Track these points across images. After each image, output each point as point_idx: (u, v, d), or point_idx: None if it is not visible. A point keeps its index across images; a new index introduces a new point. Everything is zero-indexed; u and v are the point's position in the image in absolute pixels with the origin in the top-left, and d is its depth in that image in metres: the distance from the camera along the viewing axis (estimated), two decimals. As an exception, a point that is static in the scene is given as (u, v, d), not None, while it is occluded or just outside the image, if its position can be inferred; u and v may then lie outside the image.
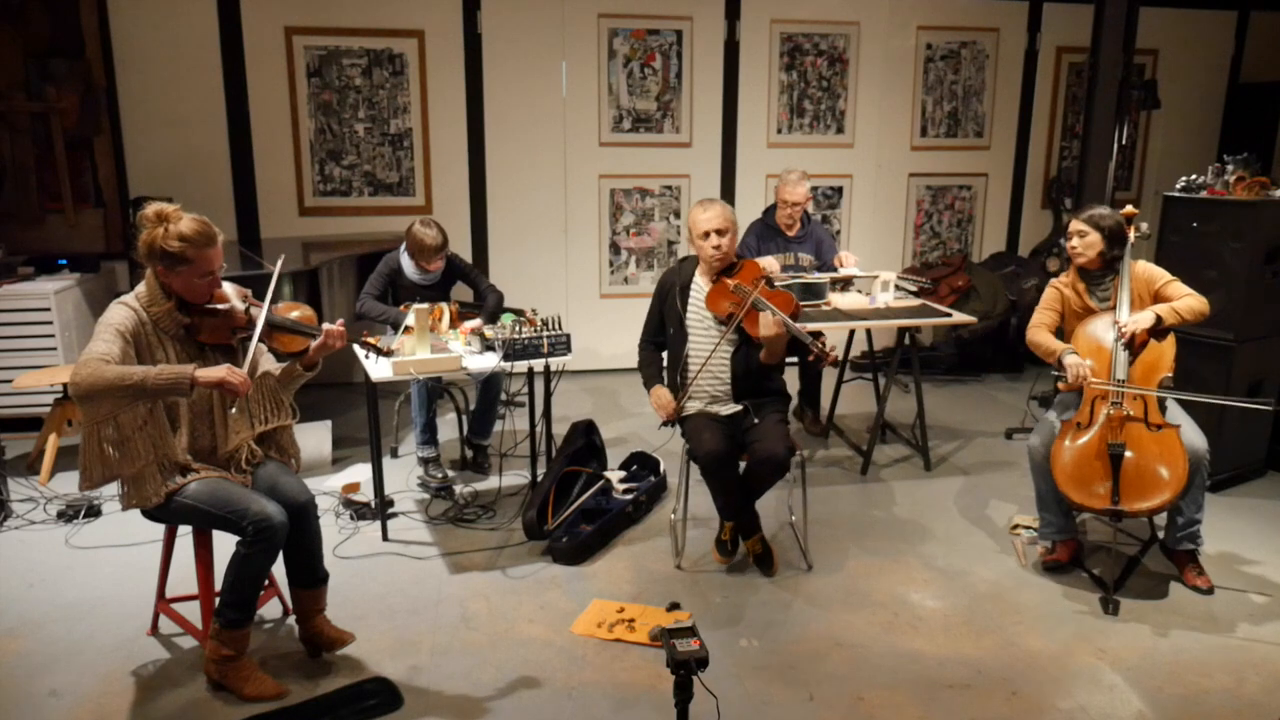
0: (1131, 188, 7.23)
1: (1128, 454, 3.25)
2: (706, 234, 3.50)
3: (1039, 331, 3.63)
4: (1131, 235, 3.54)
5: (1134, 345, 3.38)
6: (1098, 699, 2.85)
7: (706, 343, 3.56)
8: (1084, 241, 3.51)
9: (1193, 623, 3.28)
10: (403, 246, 4.44)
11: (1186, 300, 3.40)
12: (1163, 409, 3.37)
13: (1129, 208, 3.59)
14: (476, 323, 4.21)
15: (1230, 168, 4.37)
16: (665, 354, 3.76)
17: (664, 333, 3.72)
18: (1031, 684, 2.92)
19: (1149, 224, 3.78)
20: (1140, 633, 3.21)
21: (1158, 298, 3.48)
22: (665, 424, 3.63)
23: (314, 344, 2.85)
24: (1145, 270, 3.54)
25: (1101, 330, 3.46)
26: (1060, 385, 3.51)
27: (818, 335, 3.39)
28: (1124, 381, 3.33)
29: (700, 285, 3.61)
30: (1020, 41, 6.76)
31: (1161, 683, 2.93)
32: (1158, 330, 3.38)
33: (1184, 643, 3.15)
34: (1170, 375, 3.39)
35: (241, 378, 2.58)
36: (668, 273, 3.75)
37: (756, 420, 3.49)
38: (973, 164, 6.89)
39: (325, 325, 2.85)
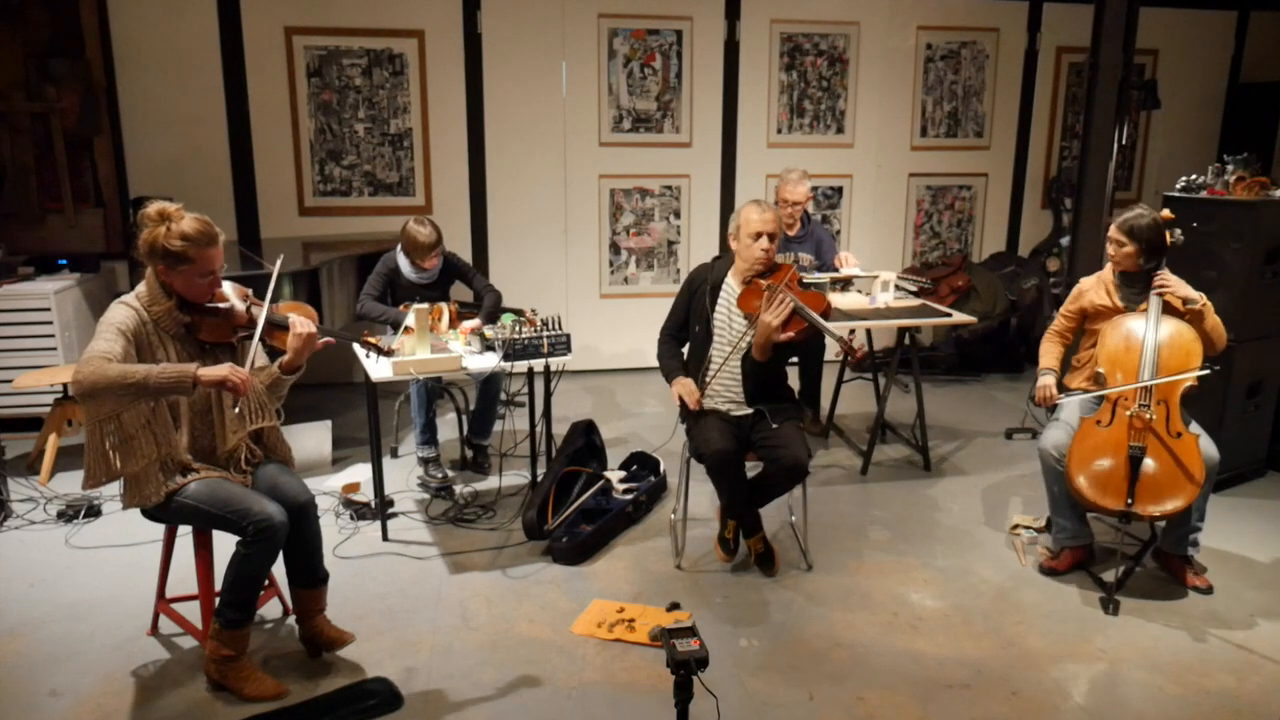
0: (1131, 188, 7.24)
1: (1147, 458, 3.25)
2: (759, 235, 3.46)
3: (1046, 343, 3.80)
4: (1168, 240, 3.49)
5: (1164, 305, 3.39)
6: (1098, 699, 2.85)
7: (730, 345, 3.55)
8: (1121, 251, 3.51)
9: (1193, 623, 3.28)
10: (399, 246, 4.44)
11: (1217, 320, 3.42)
12: (1185, 419, 3.36)
13: (1165, 211, 3.55)
14: (475, 322, 4.21)
15: (1230, 168, 4.37)
16: (686, 350, 3.74)
17: (687, 328, 3.70)
18: (1031, 684, 2.92)
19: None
20: (1140, 632, 3.21)
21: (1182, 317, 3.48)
22: (685, 415, 3.60)
23: (289, 337, 2.82)
24: (1183, 288, 3.49)
25: (1129, 332, 3.44)
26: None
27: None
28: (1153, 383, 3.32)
29: (731, 286, 3.59)
30: (1020, 41, 6.76)
31: (1161, 683, 2.93)
32: (1191, 311, 3.38)
33: (1184, 643, 3.16)
34: (1194, 387, 3.36)
35: (243, 376, 2.58)
36: (700, 268, 3.72)
37: (775, 425, 3.48)
38: (973, 164, 6.89)
39: (291, 318, 2.83)
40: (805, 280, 4.67)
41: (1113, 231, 3.53)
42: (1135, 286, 3.55)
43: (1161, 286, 3.41)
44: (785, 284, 3.41)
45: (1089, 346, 3.63)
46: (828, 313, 3.49)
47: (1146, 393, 3.31)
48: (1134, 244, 3.46)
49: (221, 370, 2.55)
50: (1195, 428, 3.39)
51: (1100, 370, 3.46)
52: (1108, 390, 3.39)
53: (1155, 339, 3.37)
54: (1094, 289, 3.65)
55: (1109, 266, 3.63)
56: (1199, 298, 3.39)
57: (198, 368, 2.52)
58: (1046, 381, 3.63)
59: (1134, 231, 3.46)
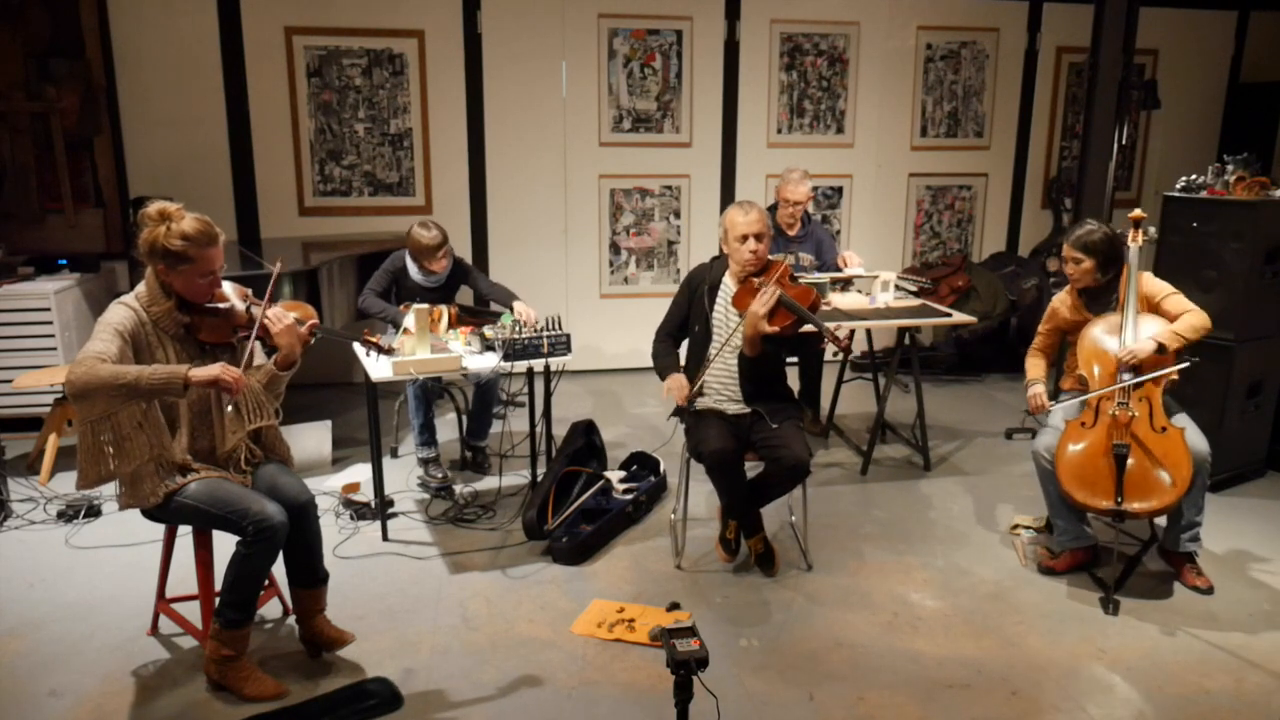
0: (1131, 188, 7.23)
1: (1132, 455, 3.25)
2: (745, 237, 3.48)
3: (1030, 358, 3.80)
4: (1139, 240, 3.48)
5: (1140, 370, 3.35)
6: (1098, 699, 2.85)
7: (728, 345, 3.55)
8: (1079, 268, 3.52)
9: (1193, 623, 3.28)
10: (406, 251, 4.45)
11: (1187, 319, 3.36)
12: (1168, 411, 3.37)
13: (1136, 211, 3.55)
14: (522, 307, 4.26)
15: (1230, 168, 4.37)
16: (684, 351, 3.74)
17: (685, 328, 3.71)
18: (1031, 684, 2.92)
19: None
20: (1140, 633, 3.21)
21: (1157, 312, 3.46)
22: (676, 412, 3.61)
23: (274, 330, 2.80)
24: (1148, 284, 3.51)
25: (1102, 334, 3.45)
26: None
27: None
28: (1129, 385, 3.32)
29: (729, 286, 3.60)
30: (1020, 41, 6.76)
31: (1161, 683, 2.93)
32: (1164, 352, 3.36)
33: (1184, 643, 3.16)
34: (1175, 380, 3.37)
35: (236, 375, 2.57)
36: (698, 269, 3.73)
37: (775, 425, 3.48)
38: (973, 164, 6.89)
39: (269, 313, 2.80)
40: (804, 279, 4.68)
41: (1067, 250, 3.54)
42: (1100, 300, 3.57)
43: (1124, 363, 3.32)
44: (777, 279, 3.44)
45: (1074, 354, 3.64)
46: (816, 306, 3.51)
47: (1126, 390, 3.32)
48: (1091, 258, 3.48)
49: (213, 370, 2.54)
50: (1181, 420, 3.40)
51: (1082, 374, 3.49)
52: (1090, 394, 3.40)
53: (1132, 337, 3.37)
54: (1064, 306, 3.68)
55: (1069, 287, 3.64)
56: (1151, 345, 3.31)
57: (189, 369, 2.52)
58: (1037, 390, 3.65)
59: (1089, 247, 3.48)
